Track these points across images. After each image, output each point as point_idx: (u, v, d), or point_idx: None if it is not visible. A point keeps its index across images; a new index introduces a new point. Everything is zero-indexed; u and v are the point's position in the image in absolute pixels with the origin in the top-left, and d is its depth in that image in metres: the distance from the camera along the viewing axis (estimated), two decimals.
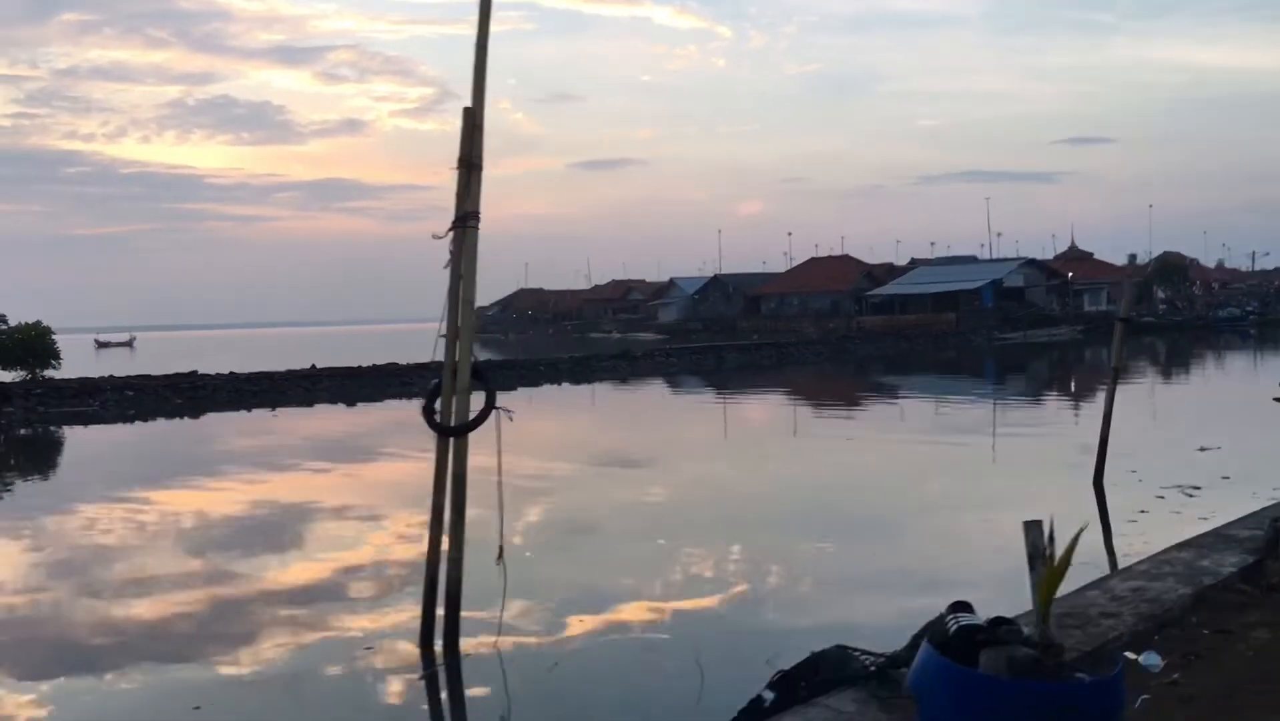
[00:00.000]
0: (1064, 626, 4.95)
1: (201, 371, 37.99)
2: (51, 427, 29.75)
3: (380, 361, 44.44)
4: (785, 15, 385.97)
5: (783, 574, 10.68)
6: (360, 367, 41.34)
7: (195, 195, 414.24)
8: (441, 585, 8.12)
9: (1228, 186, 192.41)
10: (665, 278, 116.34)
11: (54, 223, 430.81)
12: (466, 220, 8.54)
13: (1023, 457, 18.98)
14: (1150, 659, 4.88)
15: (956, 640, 3.63)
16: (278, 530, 13.90)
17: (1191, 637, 5.44)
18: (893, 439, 22.53)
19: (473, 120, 8.57)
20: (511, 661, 7.85)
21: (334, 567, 11.33)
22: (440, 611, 8.16)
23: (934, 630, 3.79)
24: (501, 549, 8.15)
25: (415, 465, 20.25)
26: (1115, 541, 10.91)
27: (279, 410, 34.08)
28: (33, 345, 36.33)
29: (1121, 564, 8.74)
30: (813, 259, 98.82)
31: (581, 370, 46.76)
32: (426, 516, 8.09)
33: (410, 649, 8.10)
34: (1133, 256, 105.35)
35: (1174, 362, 49.00)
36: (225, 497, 16.51)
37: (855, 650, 5.06)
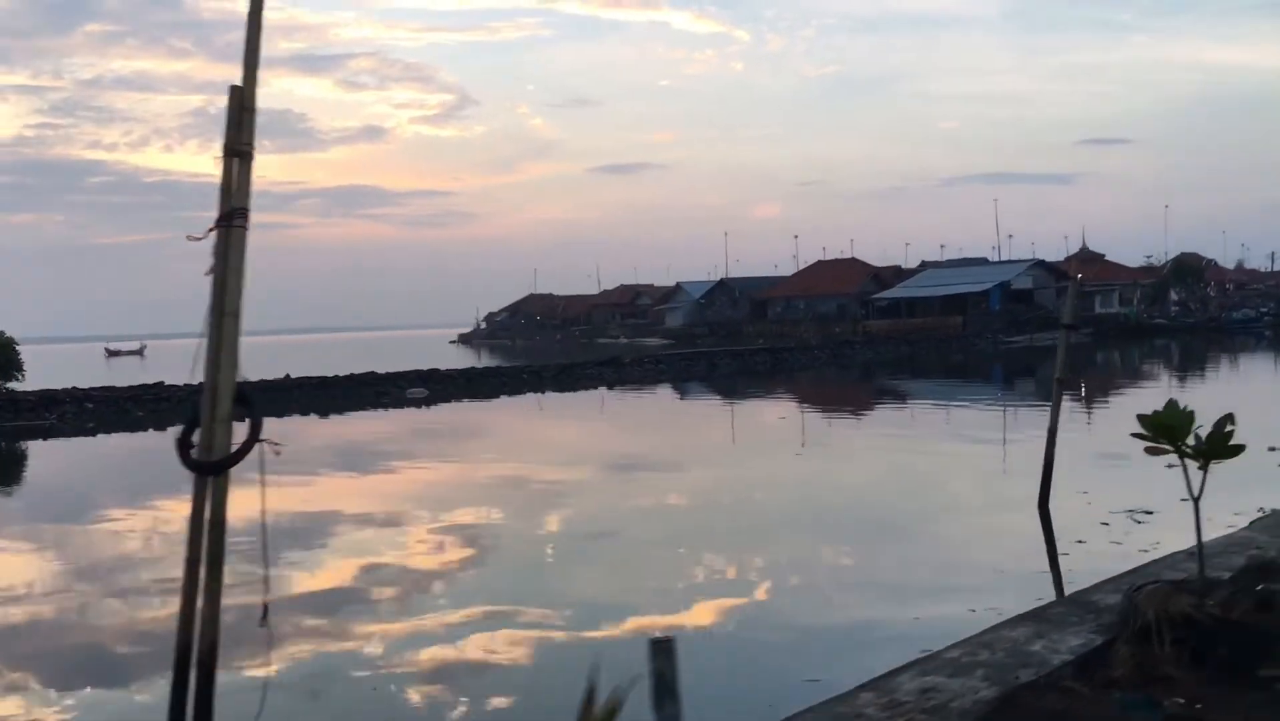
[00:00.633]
0: None
1: (168, 383, 37.04)
2: (2, 442, 28.91)
3: (389, 369, 43.70)
4: (803, 18, 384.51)
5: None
6: (335, 377, 40.37)
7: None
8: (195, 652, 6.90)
9: (1248, 186, 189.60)
10: (674, 282, 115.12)
11: (77, 232, 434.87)
12: (232, 218, 7.28)
13: (975, 470, 17.87)
14: None
15: None
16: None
17: None
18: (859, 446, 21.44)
19: (241, 102, 7.32)
20: None
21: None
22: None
23: None
24: (266, 608, 7.03)
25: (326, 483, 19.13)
26: (1028, 584, 9.70)
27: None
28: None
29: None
30: (819, 262, 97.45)
31: (567, 378, 45.66)
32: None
33: None
34: (1149, 258, 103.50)
35: (1173, 366, 47.54)
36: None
37: None
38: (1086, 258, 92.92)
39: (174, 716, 6.96)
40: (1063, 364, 12.55)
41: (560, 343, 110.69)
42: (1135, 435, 4.28)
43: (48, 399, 33.29)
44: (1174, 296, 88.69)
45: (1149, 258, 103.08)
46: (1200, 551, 4.66)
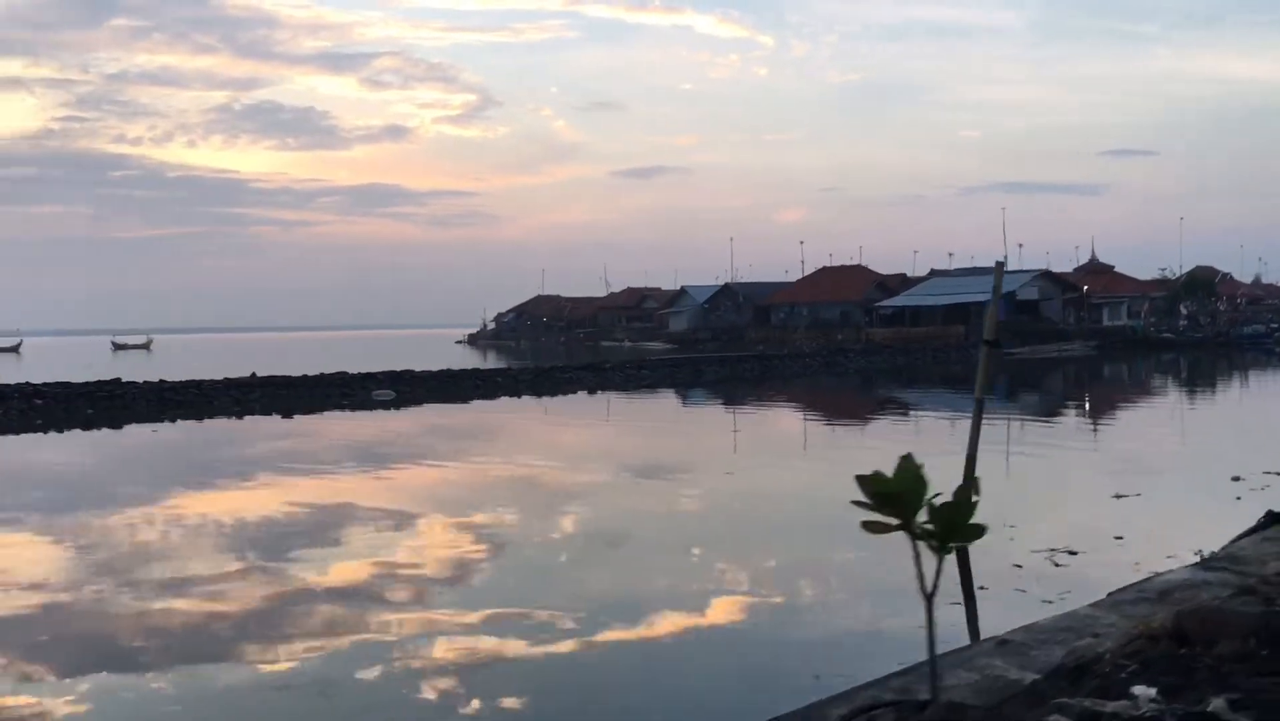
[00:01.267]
0: None
1: (126, 379, 36.12)
2: None
3: (380, 368, 42.85)
4: (827, 24, 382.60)
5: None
6: (300, 377, 39.38)
7: (240, 199, 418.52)
8: None
9: (1268, 200, 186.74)
10: (682, 285, 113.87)
11: (101, 225, 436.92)
12: None
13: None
14: None
15: None
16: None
17: None
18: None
19: None
20: None
21: None
22: None
23: None
24: None
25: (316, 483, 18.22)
26: (904, 638, 8.51)
27: (205, 421, 32.20)
28: None
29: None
30: (824, 268, 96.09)
31: (545, 382, 44.54)
32: None
33: None
34: (1163, 270, 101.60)
35: (1167, 382, 46.11)
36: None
37: None
38: (1095, 269, 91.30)
39: None
40: (981, 381, 11.33)
41: (564, 345, 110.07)
42: (856, 503, 3.09)
43: None
44: (1183, 310, 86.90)
45: (1163, 270, 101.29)
46: (933, 669, 3.45)
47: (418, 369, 43.34)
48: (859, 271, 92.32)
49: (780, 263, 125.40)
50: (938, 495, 3.42)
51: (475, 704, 7.40)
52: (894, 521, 3.44)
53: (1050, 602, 8.97)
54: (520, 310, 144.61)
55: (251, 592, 10.65)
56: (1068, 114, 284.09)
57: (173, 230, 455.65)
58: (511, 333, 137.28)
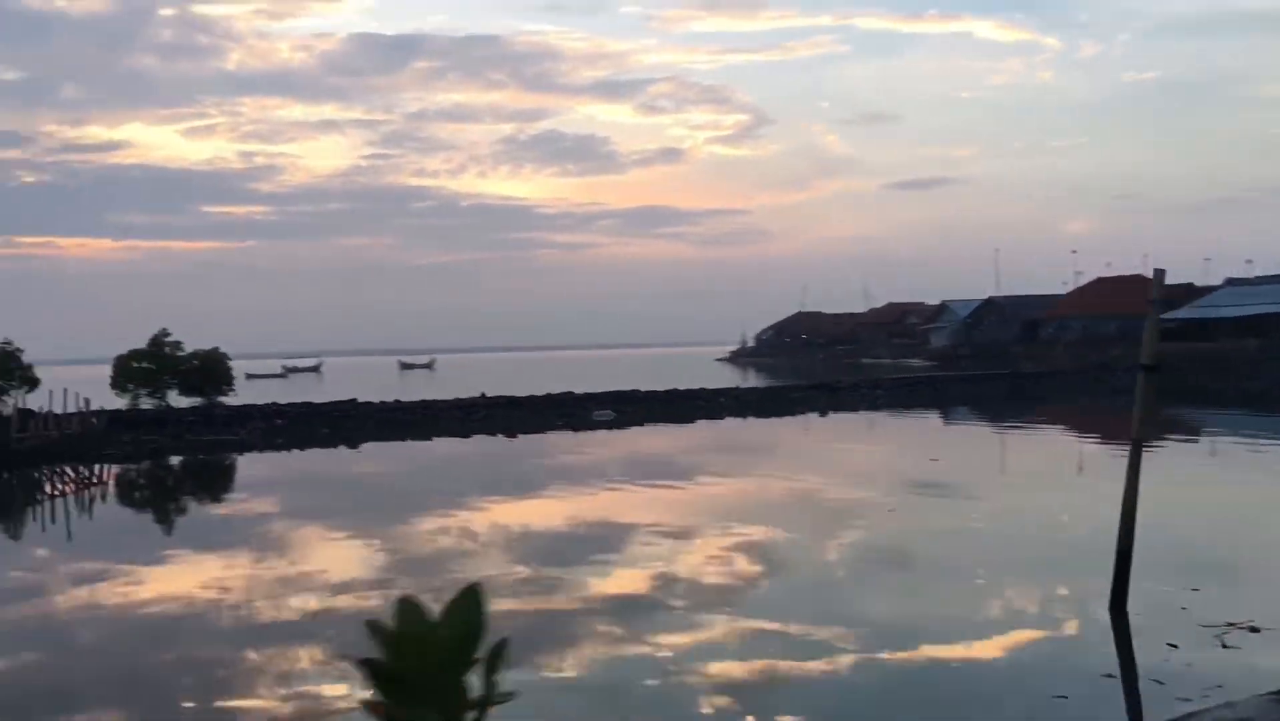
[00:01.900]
0: None
1: (362, 400, 37.73)
2: (200, 456, 29.98)
3: (667, 387, 43.17)
4: (1120, 21, 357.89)
5: None
6: (525, 398, 39.86)
7: (526, 225, 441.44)
8: None
9: None
10: (950, 298, 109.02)
11: (403, 253, 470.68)
12: None
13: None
14: None
15: None
16: None
17: None
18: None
19: None
20: None
21: None
22: None
23: None
24: None
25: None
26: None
27: (435, 439, 33.23)
28: (209, 371, 37.34)
29: None
30: (1099, 279, 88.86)
31: (771, 403, 43.11)
32: None
33: None
34: None
35: None
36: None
37: None
38: None
39: None
40: (1138, 418, 9.31)
41: (822, 362, 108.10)
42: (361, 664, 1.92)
43: (241, 414, 34.52)
44: None
45: None
46: None
47: (643, 389, 43.09)
48: (1138, 282, 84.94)
49: (1055, 275, 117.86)
50: None
51: None
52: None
53: (1187, 701, 7.11)
54: (780, 327, 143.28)
55: (537, 598, 11.12)
56: None
57: (465, 256, 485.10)
58: (771, 350, 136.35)
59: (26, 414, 28.08)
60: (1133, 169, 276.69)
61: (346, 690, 8.14)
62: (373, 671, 1.21)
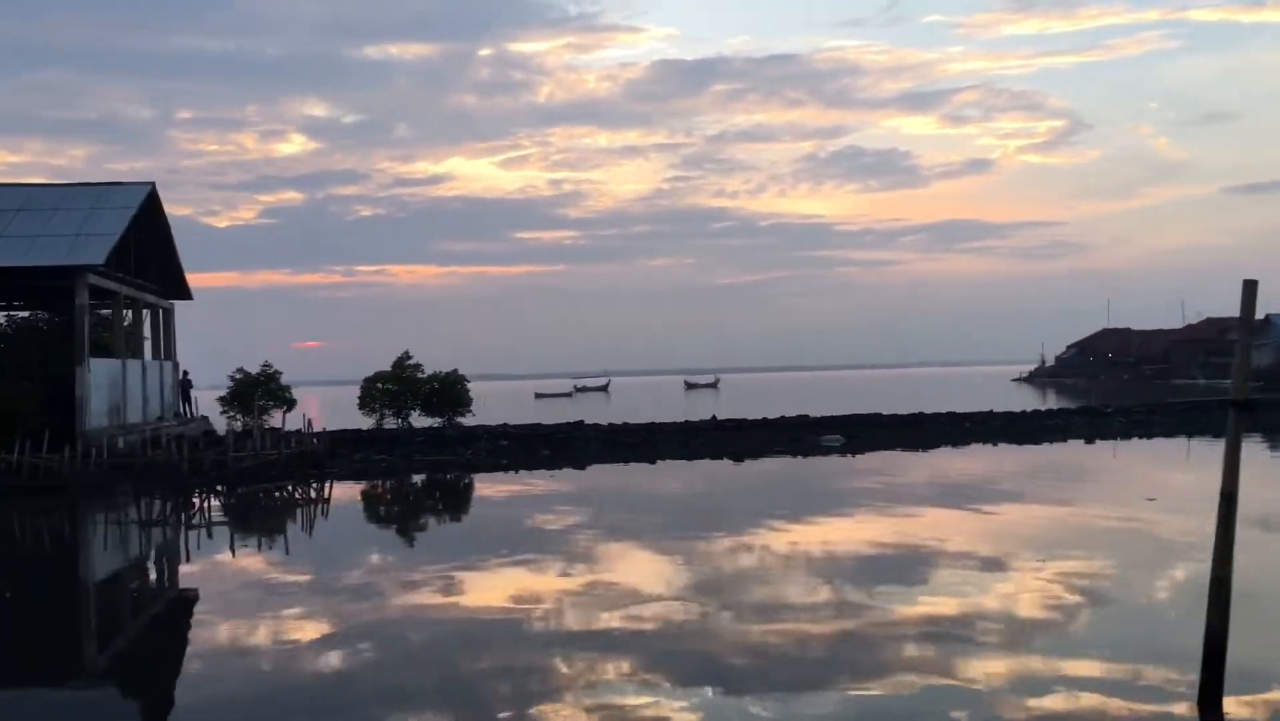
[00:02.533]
0: None
1: (589, 421, 37.80)
2: (444, 475, 31.02)
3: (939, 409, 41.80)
4: None
5: None
6: (752, 420, 38.72)
7: (825, 242, 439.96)
8: None
9: None
10: (1267, 314, 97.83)
11: (704, 273, 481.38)
12: None
13: None
14: None
15: None
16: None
17: None
18: None
19: None
20: None
21: None
22: None
23: None
24: None
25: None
26: None
27: (658, 462, 32.91)
28: (448, 392, 38.69)
29: None
30: None
31: (1017, 428, 39.47)
32: None
33: None
34: None
35: None
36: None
37: None
38: None
39: None
40: (1230, 467, 7.11)
41: (1127, 383, 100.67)
42: None
43: (469, 435, 35.42)
44: None
45: None
46: None
47: (885, 413, 40.82)
48: None
49: None
50: None
51: None
52: None
53: None
54: (1083, 345, 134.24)
55: (840, 620, 11.06)
56: None
57: (764, 275, 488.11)
58: (1072, 370, 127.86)
59: (244, 435, 29.94)
60: None
61: (651, 700, 8.51)
62: None
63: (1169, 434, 39.27)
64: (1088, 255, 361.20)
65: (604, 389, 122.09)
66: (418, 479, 30.41)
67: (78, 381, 29.98)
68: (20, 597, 15.59)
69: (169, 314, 40.69)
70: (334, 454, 31.99)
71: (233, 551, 18.30)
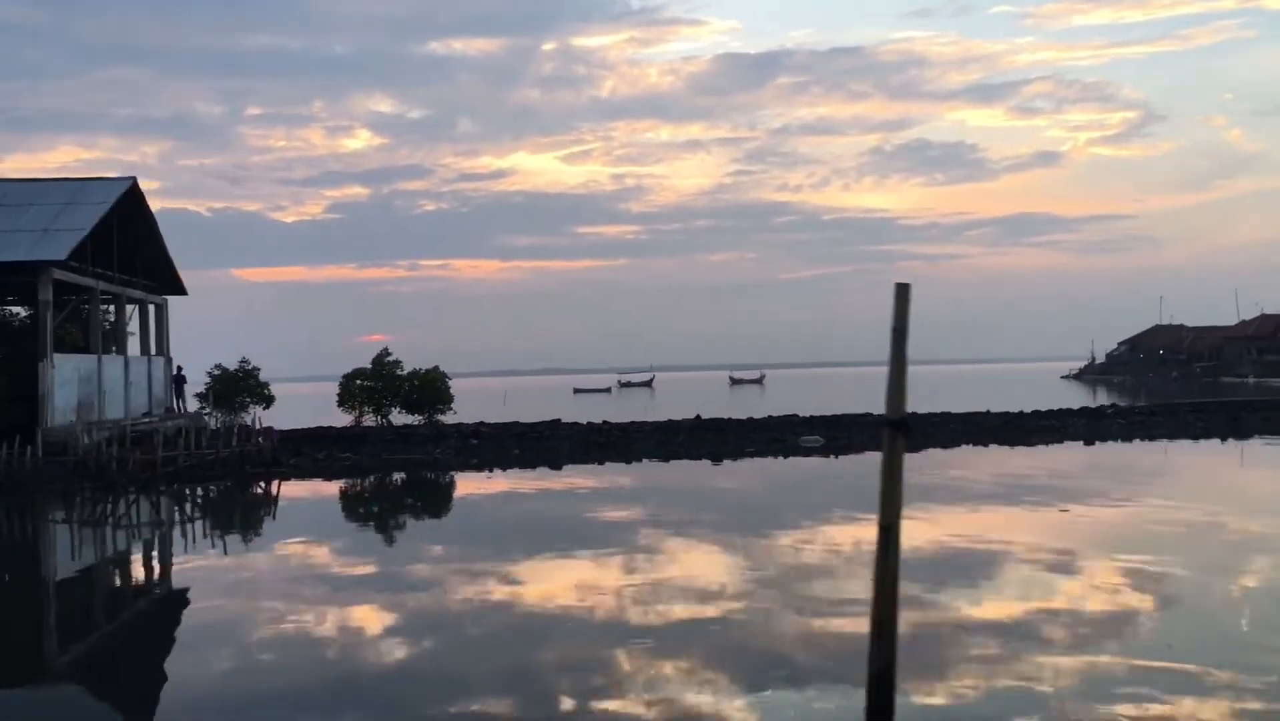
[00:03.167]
0: None
1: (566, 420, 37.16)
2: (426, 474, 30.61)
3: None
4: None
5: None
6: (730, 420, 37.86)
7: (888, 237, 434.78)
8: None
9: None
10: None
11: (766, 268, 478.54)
12: None
13: None
14: None
15: None
16: None
17: None
18: None
19: None
20: None
21: None
22: None
23: None
24: None
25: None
26: None
27: (634, 463, 32.27)
28: (428, 390, 38.27)
29: None
30: None
31: (1010, 430, 38.04)
32: None
33: None
34: None
35: None
36: None
37: None
38: None
39: None
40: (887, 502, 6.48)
41: (1176, 381, 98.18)
42: None
43: (438, 433, 34.95)
44: None
45: None
46: None
47: (876, 412, 39.62)
48: None
49: None
50: None
51: None
52: None
53: None
54: (1134, 341, 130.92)
55: (905, 620, 10.59)
56: None
57: (826, 270, 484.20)
58: (1123, 366, 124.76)
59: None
60: None
61: (712, 698, 8.46)
62: None
63: (1172, 436, 37.73)
64: (1157, 250, 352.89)
65: (649, 384, 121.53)
66: (373, 478, 30.01)
67: (40, 377, 30.02)
68: None
69: (161, 309, 40.77)
70: (299, 451, 31.71)
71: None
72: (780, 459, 32.99)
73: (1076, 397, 64.22)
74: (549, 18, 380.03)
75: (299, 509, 24.36)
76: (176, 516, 23.95)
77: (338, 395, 38.76)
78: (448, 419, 38.06)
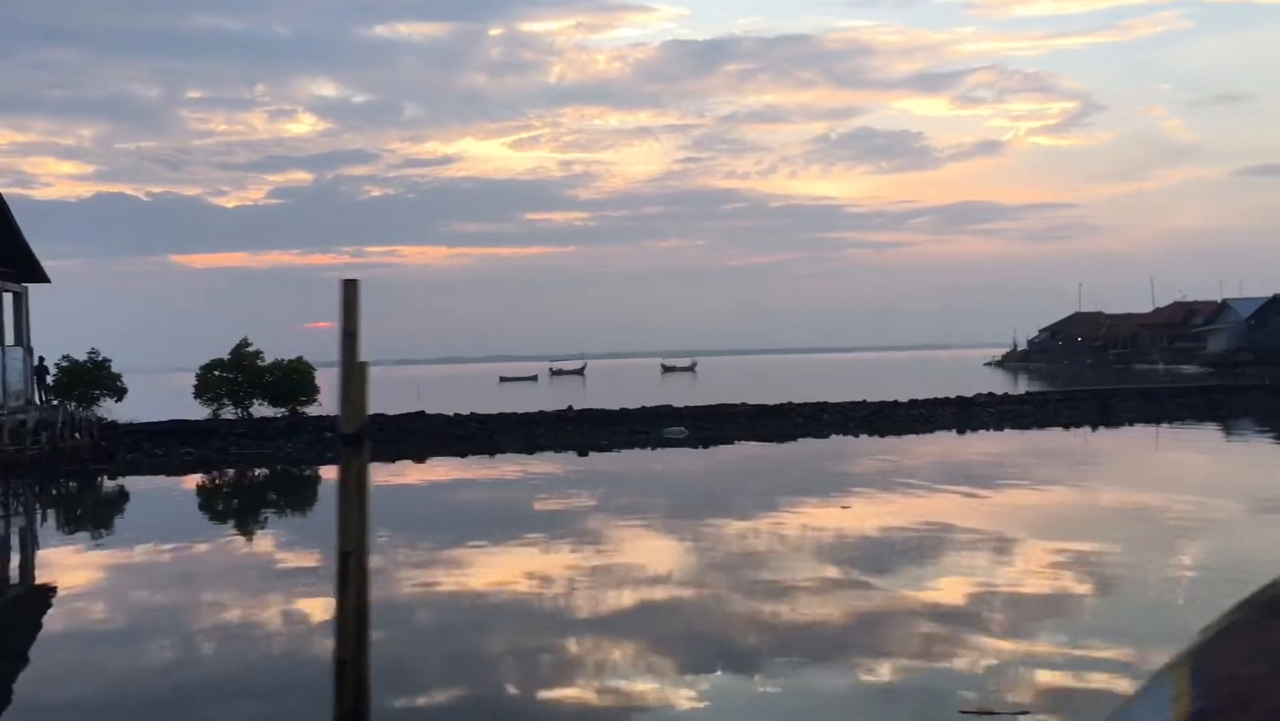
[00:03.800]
0: None
1: (430, 411, 36.36)
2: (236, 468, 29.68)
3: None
4: None
5: None
6: (600, 411, 37.20)
7: (835, 224, 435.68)
8: None
9: None
10: (1223, 298, 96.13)
11: (713, 254, 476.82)
12: None
13: None
14: None
15: None
16: None
17: None
18: None
19: None
20: None
21: None
22: None
23: None
24: None
25: None
26: None
27: (498, 456, 31.50)
28: (288, 381, 37.18)
29: None
30: None
31: (881, 420, 37.75)
32: None
33: None
34: None
35: None
36: None
37: None
38: None
39: None
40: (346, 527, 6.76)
41: (1089, 369, 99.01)
42: None
43: (292, 427, 33.98)
44: None
45: None
46: None
47: (736, 402, 39.15)
48: None
49: None
50: None
51: None
52: None
53: None
54: (1054, 329, 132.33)
55: (851, 603, 11.06)
56: None
57: (773, 257, 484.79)
58: (1042, 353, 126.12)
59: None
60: None
61: (657, 685, 8.51)
62: None
63: (1042, 425, 37.82)
64: (1095, 237, 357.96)
65: (580, 371, 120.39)
66: (211, 475, 29.01)
67: None
68: None
69: (19, 297, 39.26)
70: (136, 446, 30.58)
71: None
72: (650, 450, 32.56)
73: (994, 383, 64.39)
74: (496, 3, 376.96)
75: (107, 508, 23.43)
76: None
77: (194, 386, 37.53)
78: (312, 411, 37.01)
